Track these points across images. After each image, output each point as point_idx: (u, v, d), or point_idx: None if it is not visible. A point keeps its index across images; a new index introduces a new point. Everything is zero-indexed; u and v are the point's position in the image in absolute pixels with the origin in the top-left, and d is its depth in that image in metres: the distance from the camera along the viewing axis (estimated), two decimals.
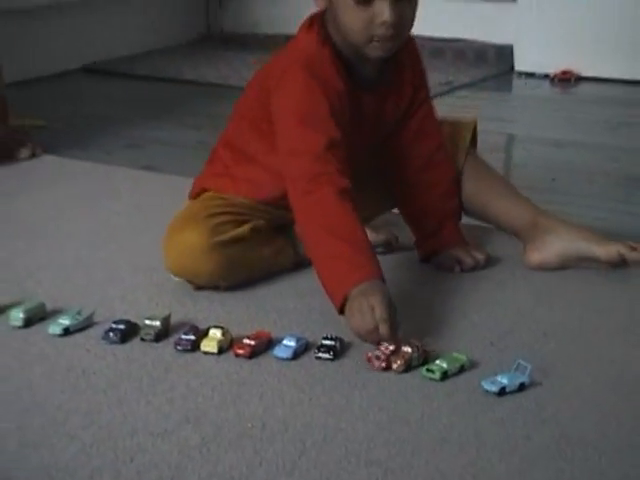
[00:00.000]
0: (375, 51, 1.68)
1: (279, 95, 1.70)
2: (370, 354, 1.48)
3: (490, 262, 1.86)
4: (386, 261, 1.84)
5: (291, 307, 1.68)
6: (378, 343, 1.49)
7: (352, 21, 1.64)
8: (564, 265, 1.83)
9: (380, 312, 1.48)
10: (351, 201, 1.61)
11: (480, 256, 1.85)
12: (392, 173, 1.89)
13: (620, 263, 1.79)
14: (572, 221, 1.89)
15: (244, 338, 1.53)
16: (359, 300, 1.50)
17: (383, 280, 1.55)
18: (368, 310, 1.49)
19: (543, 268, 1.83)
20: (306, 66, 1.68)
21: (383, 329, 1.48)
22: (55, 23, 3.30)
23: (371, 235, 1.87)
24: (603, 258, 1.79)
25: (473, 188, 1.88)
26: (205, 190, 1.83)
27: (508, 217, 1.87)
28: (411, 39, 1.81)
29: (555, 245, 1.82)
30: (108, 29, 3.51)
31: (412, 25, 1.69)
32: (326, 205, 1.61)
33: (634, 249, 1.78)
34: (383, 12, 1.61)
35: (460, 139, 1.90)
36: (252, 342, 1.52)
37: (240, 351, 1.51)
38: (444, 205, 1.87)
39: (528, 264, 1.83)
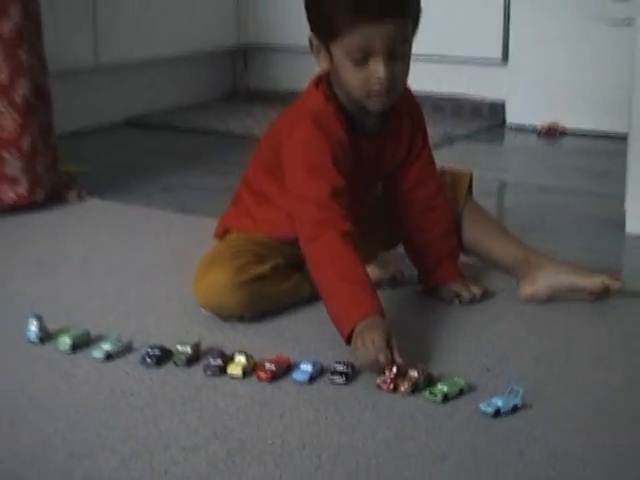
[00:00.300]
0: (374, 105, 1.68)
1: (289, 145, 1.71)
2: (378, 381, 1.48)
3: (486, 296, 1.84)
4: (393, 294, 1.85)
5: (307, 335, 1.67)
6: (383, 371, 1.48)
7: (352, 80, 1.65)
8: (553, 297, 1.81)
9: (378, 343, 1.48)
10: (353, 243, 1.61)
11: (477, 290, 1.84)
12: (395, 215, 1.88)
13: (604, 292, 1.79)
14: (559, 257, 1.88)
15: (266, 362, 1.52)
16: (362, 337, 1.51)
17: (382, 314, 1.55)
18: (370, 344, 1.49)
19: (535, 300, 1.81)
20: (313, 120, 1.69)
21: (381, 358, 1.48)
22: (100, 82, 3.32)
23: (379, 270, 1.88)
24: (589, 288, 1.79)
25: (471, 230, 1.88)
26: (229, 229, 1.83)
27: (502, 256, 1.86)
28: (409, 92, 1.82)
29: (545, 279, 1.81)
30: (146, 87, 3.53)
31: (406, 80, 1.70)
32: (330, 249, 1.61)
33: (616, 279, 1.79)
34: (378, 70, 1.62)
35: (459, 187, 1.90)
36: (273, 367, 1.51)
37: (262, 375, 1.51)
38: (442, 244, 1.86)
39: (521, 297, 1.82)
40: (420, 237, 1.86)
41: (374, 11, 1.59)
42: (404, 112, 1.81)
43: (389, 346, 1.49)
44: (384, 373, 1.48)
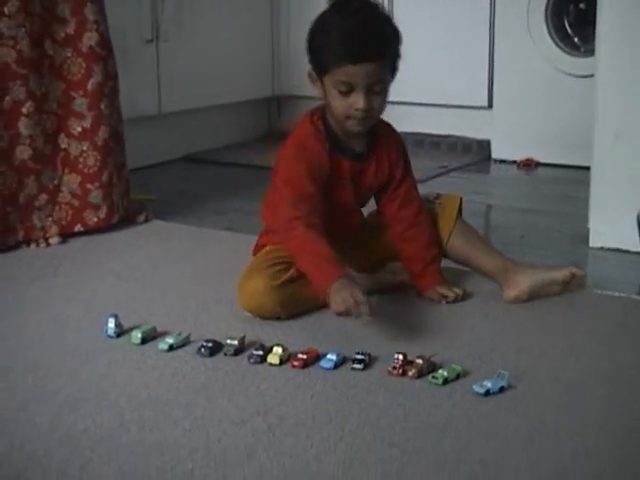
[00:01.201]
0: (353, 127, 1.72)
1: (276, 163, 1.78)
2: (389, 368, 1.47)
3: (467, 296, 1.84)
4: (400, 297, 1.85)
5: (332, 331, 1.67)
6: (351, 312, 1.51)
7: (337, 105, 1.69)
8: (533, 294, 1.80)
9: (358, 296, 1.51)
10: (316, 231, 1.65)
11: (459, 291, 1.83)
12: (389, 232, 1.88)
13: (572, 280, 1.81)
14: (535, 265, 1.88)
15: (299, 353, 1.53)
16: (341, 292, 1.53)
17: (346, 276, 1.58)
18: (349, 295, 1.51)
19: (518, 301, 1.80)
20: (296, 142, 1.75)
21: (363, 309, 1.50)
22: (163, 126, 3.34)
23: (390, 276, 1.88)
24: (560, 278, 1.80)
25: (461, 244, 1.87)
26: (263, 245, 1.83)
27: (486, 265, 1.85)
28: (391, 128, 1.85)
29: (525, 281, 1.80)
30: (200, 130, 3.54)
31: (382, 111, 1.73)
32: (299, 240, 1.65)
33: (579, 269, 1.82)
34: (358, 102, 1.66)
35: (451, 209, 1.90)
36: (304, 356, 1.52)
37: (296, 363, 1.51)
38: (427, 254, 1.85)
39: (507, 300, 1.81)
40: (406, 249, 1.86)
41: (356, 56, 1.64)
42: (385, 142, 1.83)
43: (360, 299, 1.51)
44: (394, 360, 1.47)
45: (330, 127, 1.76)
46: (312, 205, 1.69)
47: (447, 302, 1.81)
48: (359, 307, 1.51)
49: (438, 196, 1.92)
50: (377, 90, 1.67)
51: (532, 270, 1.83)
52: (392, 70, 1.72)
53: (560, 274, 1.81)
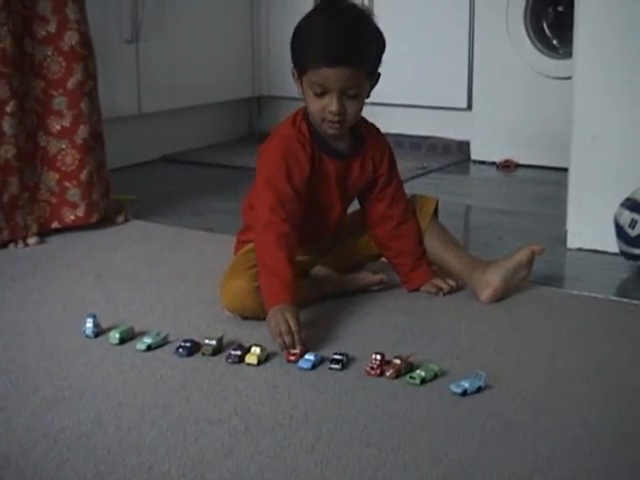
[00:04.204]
0: (328, 130, 1.72)
1: (258, 159, 1.77)
2: (367, 368, 1.48)
3: (459, 288, 1.87)
4: (379, 297, 1.85)
5: (310, 332, 1.66)
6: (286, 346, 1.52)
7: (312, 106, 1.70)
8: (508, 286, 1.82)
9: (285, 326, 1.54)
10: (286, 245, 1.65)
11: (453, 283, 1.86)
12: (376, 230, 1.89)
13: (533, 256, 1.83)
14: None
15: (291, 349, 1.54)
16: (276, 316, 1.56)
17: (292, 302, 1.59)
18: (282, 321, 1.54)
19: (497, 297, 1.81)
20: (278, 141, 1.75)
21: (287, 339, 1.53)
22: (143, 126, 3.33)
23: (370, 276, 1.88)
24: (524, 260, 1.82)
25: (432, 244, 1.89)
26: (245, 242, 1.82)
27: (454, 264, 1.87)
28: (377, 131, 1.86)
29: (495, 275, 1.81)
30: (179, 130, 3.53)
31: (358, 114, 1.73)
32: (266, 248, 1.66)
33: (538, 246, 1.84)
34: (331, 104, 1.67)
35: (426, 210, 1.90)
36: (297, 351, 1.53)
37: (291, 357, 1.52)
38: (416, 249, 1.87)
39: (484, 299, 1.81)
40: (398, 245, 1.87)
41: (332, 60, 1.64)
42: (371, 143, 1.83)
43: (291, 326, 1.54)
44: (371, 359, 1.48)
45: (314, 127, 1.76)
46: (289, 210, 1.69)
47: (443, 294, 1.85)
48: (288, 335, 1.53)
49: (413, 196, 1.93)
50: (351, 94, 1.67)
51: (497, 264, 1.84)
52: (371, 76, 1.71)
53: (523, 256, 1.83)
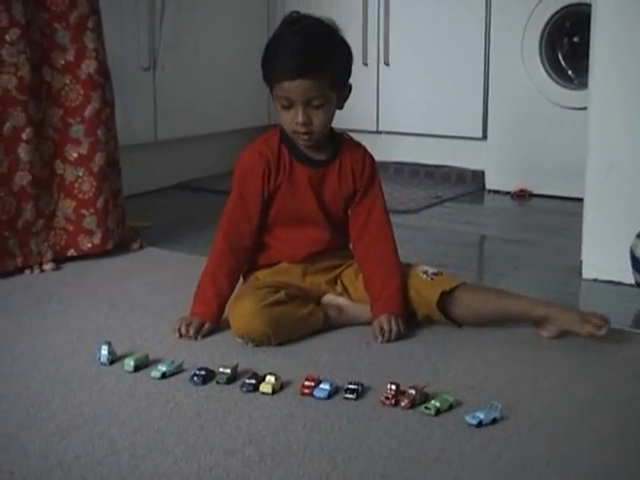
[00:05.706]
0: (300, 141, 1.79)
1: (236, 166, 1.86)
2: (382, 398, 1.48)
3: (403, 337, 1.76)
4: None
5: (324, 359, 1.67)
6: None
7: (283, 118, 1.77)
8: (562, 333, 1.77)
9: (185, 329, 1.77)
10: (234, 259, 1.82)
11: (401, 328, 1.76)
12: (354, 250, 1.89)
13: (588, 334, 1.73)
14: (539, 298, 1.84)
15: (305, 381, 1.53)
16: (183, 319, 1.80)
17: (208, 316, 1.79)
18: (184, 325, 1.78)
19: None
20: (252, 151, 1.83)
21: (179, 326, 1.78)
22: (159, 154, 3.35)
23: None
24: (582, 335, 1.73)
25: (476, 299, 1.81)
26: (250, 269, 1.88)
27: (523, 314, 1.79)
28: (363, 149, 1.88)
29: (552, 329, 1.76)
30: (195, 158, 3.55)
31: (325, 124, 1.77)
32: (219, 256, 1.82)
33: (602, 325, 1.72)
34: (297, 116, 1.73)
35: (449, 280, 1.83)
36: (312, 383, 1.52)
37: (306, 390, 1.52)
38: (384, 277, 1.80)
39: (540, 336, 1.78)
40: (367, 268, 1.83)
41: (291, 73, 1.70)
42: (350, 156, 1.85)
43: (189, 330, 1.77)
44: (386, 390, 1.47)
45: (287, 135, 1.80)
46: (242, 239, 1.82)
47: (381, 341, 1.74)
48: (185, 330, 1.77)
49: (439, 273, 1.85)
50: (316, 104, 1.72)
51: (556, 322, 1.76)
52: (337, 86, 1.75)
53: (583, 331, 1.73)
